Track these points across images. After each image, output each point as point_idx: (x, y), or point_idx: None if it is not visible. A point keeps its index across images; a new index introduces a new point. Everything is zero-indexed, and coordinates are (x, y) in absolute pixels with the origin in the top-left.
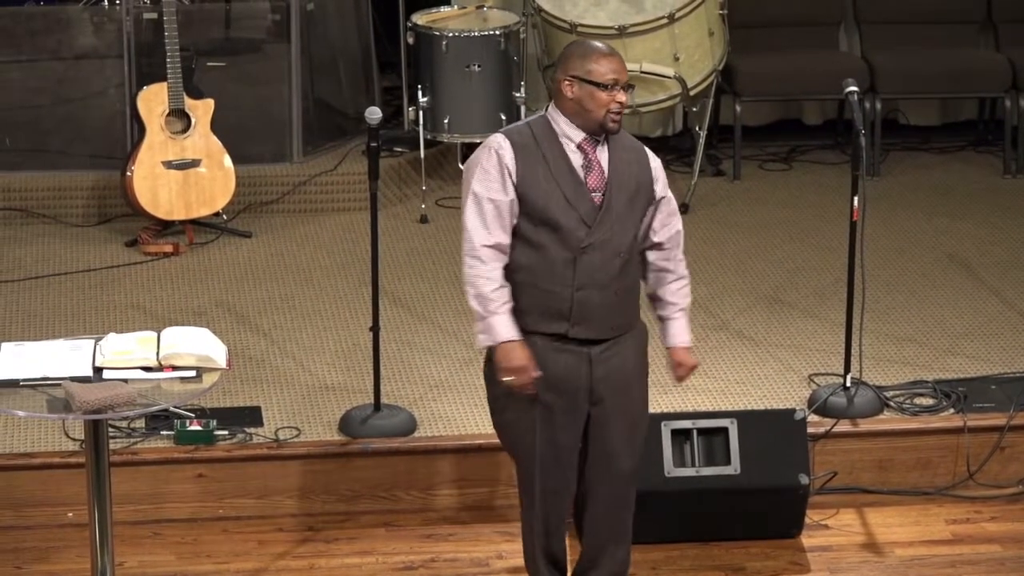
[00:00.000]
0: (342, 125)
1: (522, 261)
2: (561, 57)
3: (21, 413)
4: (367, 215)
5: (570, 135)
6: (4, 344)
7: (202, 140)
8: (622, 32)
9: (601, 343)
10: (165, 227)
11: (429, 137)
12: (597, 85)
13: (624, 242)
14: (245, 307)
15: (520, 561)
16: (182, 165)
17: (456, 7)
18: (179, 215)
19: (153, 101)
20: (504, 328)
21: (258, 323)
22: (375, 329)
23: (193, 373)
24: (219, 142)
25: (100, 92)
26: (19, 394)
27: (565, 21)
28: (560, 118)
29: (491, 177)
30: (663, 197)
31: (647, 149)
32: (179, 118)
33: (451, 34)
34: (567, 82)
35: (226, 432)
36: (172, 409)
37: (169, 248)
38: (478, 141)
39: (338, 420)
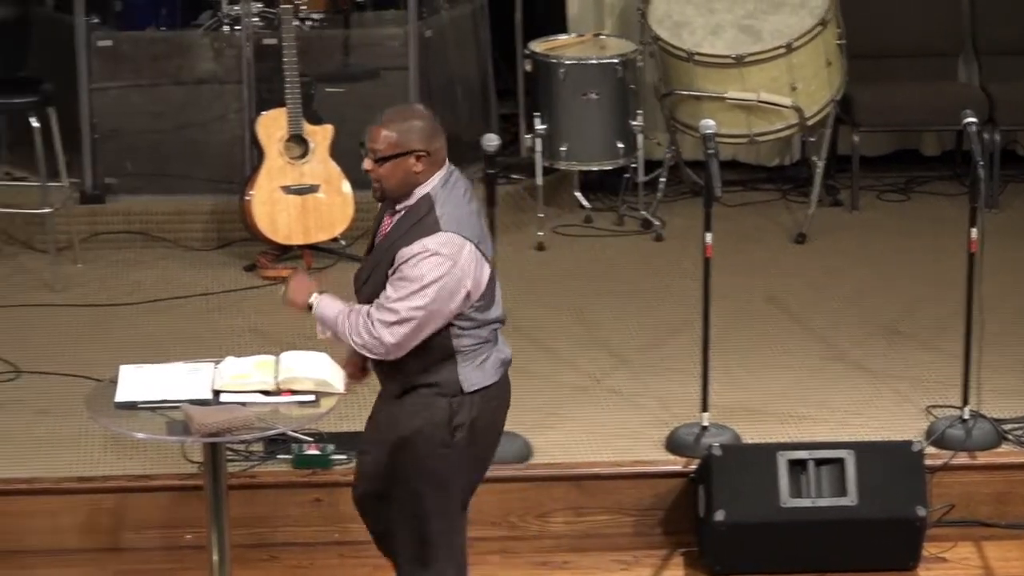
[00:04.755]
0: (459, 152)
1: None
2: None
3: (140, 435)
4: None
5: None
6: (123, 367)
7: (321, 166)
8: (739, 61)
9: None
10: (283, 252)
11: (546, 164)
12: None
13: None
14: None
15: None
16: (300, 190)
17: (573, 35)
18: (297, 240)
19: (272, 126)
20: None
21: None
22: None
23: (311, 398)
24: (338, 168)
25: (220, 117)
26: (138, 416)
27: (682, 50)
28: None
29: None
30: None
31: None
32: (298, 143)
33: (569, 62)
34: None
35: (343, 456)
36: (290, 433)
37: (287, 273)
38: (595, 169)
39: None
